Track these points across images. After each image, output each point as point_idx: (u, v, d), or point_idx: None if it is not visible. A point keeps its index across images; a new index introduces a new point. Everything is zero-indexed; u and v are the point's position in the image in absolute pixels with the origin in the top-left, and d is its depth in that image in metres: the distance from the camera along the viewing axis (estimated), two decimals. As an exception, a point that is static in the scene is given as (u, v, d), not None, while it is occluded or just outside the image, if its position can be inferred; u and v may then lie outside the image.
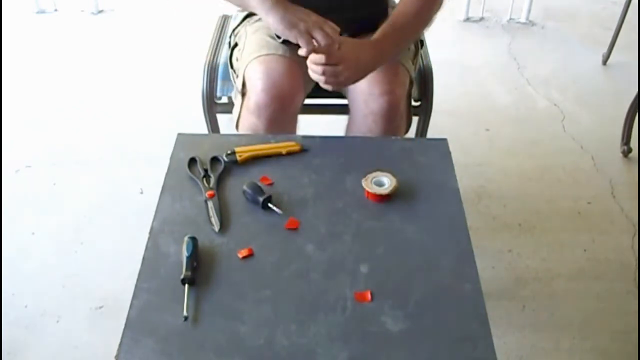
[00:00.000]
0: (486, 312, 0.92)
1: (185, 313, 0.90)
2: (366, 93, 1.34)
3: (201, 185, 1.13)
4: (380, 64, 1.31)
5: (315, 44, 1.20)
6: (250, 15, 1.55)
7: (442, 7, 1.39)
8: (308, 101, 1.56)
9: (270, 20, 1.22)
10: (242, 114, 1.40)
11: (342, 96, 1.52)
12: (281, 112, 1.33)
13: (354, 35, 1.49)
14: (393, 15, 1.35)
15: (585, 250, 1.81)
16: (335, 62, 1.22)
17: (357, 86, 1.33)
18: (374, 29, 1.46)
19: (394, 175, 1.13)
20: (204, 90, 1.57)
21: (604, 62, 2.76)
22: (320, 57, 1.21)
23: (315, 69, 1.23)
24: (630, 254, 1.80)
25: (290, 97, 1.33)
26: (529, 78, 2.66)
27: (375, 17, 1.45)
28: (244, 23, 1.54)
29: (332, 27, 1.22)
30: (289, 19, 1.20)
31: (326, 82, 1.24)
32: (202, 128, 1.64)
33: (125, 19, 3.16)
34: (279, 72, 1.32)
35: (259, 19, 1.52)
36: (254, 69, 1.35)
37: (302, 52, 1.21)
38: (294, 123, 1.42)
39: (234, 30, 1.57)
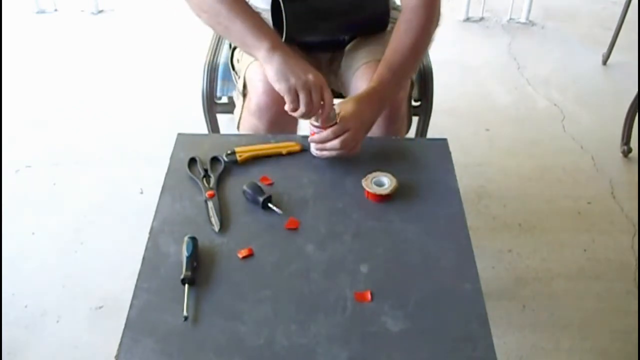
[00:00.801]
0: (486, 312, 0.92)
1: (185, 313, 0.90)
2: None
3: (201, 185, 1.13)
4: (382, 111, 1.25)
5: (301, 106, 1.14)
6: None
7: (439, 24, 1.31)
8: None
9: (266, 69, 1.16)
10: (243, 115, 1.40)
11: (344, 97, 1.52)
12: (282, 114, 1.31)
13: (353, 37, 1.49)
14: (389, 55, 1.26)
15: (585, 250, 1.81)
16: (342, 133, 1.14)
17: (359, 88, 1.31)
18: (375, 31, 1.45)
19: (394, 175, 1.13)
20: (204, 90, 1.57)
21: (604, 62, 2.76)
22: (326, 135, 1.15)
23: (326, 148, 1.16)
24: (630, 254, 1.80)
25: None
26: (529, 78, 2.66)
27: (377, 18, 1.45)
28: None
29: (325, 93, 1.14)
30: (283, 71, 1.13)
31: (342, 157, 1.19)
32: (202, 128, 1.64)
33: (125, 19, 3.16)
34: None
35: None
36: (255, 70, 1.34)
37: (287, 107, 1.15)
38: (294, 124, 1.41)
39: None
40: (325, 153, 1.18)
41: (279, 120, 1.32)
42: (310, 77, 1.13)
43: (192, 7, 1.23)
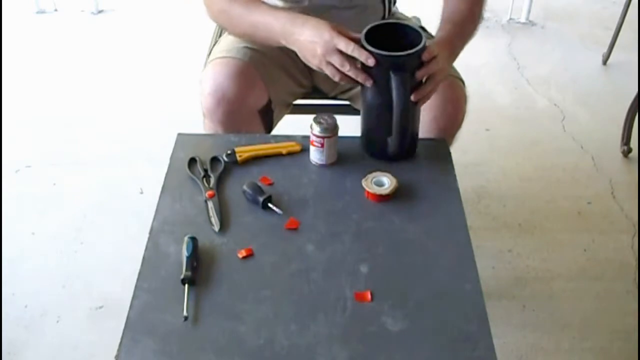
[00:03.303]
0: (486, 312, 0.92)
1: (185, 313, 0.90)
2: (439, 110, 1.29)
3: (201, 185, 1.13)
4: (453, 61, 1.24)
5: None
6: None
7: (485, 5, 1.33)
8: (308, 101, 1.56)
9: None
10: (203, 118, 1.39)
11: (344, 97, 1.52)
12: (231, 114, 1.29)
13: None
14: (446, 16, 1.27)
15: (585, 250, 1.81)
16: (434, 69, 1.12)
17: (427, 104, 1.26)
18: None
19: (394, 175, 1.13)
20: (204, 90, 1.57)
21: (604, 62, 2.76)
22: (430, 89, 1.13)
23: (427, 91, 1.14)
24: (630, 254, 1.80)
25: (237, 99, 1.28)
26: (529, 78, 2.66)
27: None
28: None
29: (344, 35, 1.10)
30: (302, 53, 1.15)
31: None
32: (202, 128, 1.64)
33: (125, 19, 3.16)
34: (224, 75, 1.28)
35: None
36: (206, 72, 1.33)
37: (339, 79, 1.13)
38: (256, 123, 1.38)
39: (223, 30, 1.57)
40: (428, 96, 1.14)
41: (231, 120, 1.30)
42: (322, 42, 1.09)
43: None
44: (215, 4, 1.30)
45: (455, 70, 1.42)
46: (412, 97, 1.10)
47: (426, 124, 1.29)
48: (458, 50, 1.26)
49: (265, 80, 1.35)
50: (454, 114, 1.31)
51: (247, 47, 1.35)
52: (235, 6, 1.26)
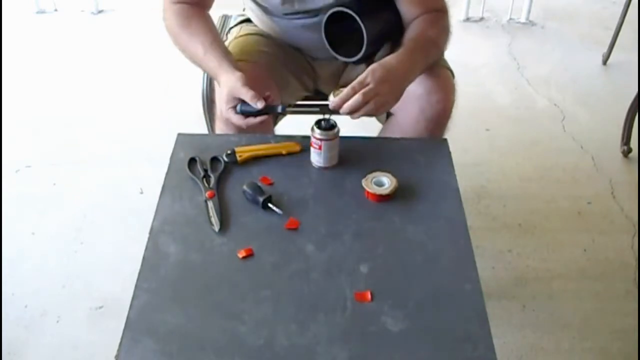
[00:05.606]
0: (486, 312, 0.92)
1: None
2: (424, 100, 1.30)
3: (201, 185, 1.13)
4: (411, 77, 1.22)
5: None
6: (247, 20, 1.54)
7: (450, 36, 1.35)
8: (307, 102, 1.57)
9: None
10: (215, 119, 1.39)
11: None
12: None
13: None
14: (409, 36, 1.28)
15: (585, 250, 1.81)
16: (361, 87, 1.12)
17: (413, 93, 1.28)
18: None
19: (394, 175, 1.13)
20: (204, 90, 1.57)
21: (604, 62, 2.76)
22: (345, 93, 1.12)
23: (351, 108, 1.13)
24: (630, 254, 1.80)
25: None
26: (529, 78, 2.66)
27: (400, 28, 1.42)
28: (239, 25, 1.54)
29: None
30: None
31: (367, 113, 1.14)
32: (202, 128, 1.64)
33: (125, 19, 3.16)
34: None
35: (253, 24, 1.51)
36: None
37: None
38: (269, 127, 1.39)
39: (229, 29, 1.57)
40: (355, 114, 1.14)
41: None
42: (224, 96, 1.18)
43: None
44: (166, 19, 1.41)
45: (445, 61, 1.42)
46: (331, 106, 1.15)
47: (414, 115, 1.30)
48: (419, 61, 1.24)
49: (279, 83, 1.36)
50: (440, 103, 1.30)
51: (261, 51, 1.36)
52: (183, 34, 1.40)
